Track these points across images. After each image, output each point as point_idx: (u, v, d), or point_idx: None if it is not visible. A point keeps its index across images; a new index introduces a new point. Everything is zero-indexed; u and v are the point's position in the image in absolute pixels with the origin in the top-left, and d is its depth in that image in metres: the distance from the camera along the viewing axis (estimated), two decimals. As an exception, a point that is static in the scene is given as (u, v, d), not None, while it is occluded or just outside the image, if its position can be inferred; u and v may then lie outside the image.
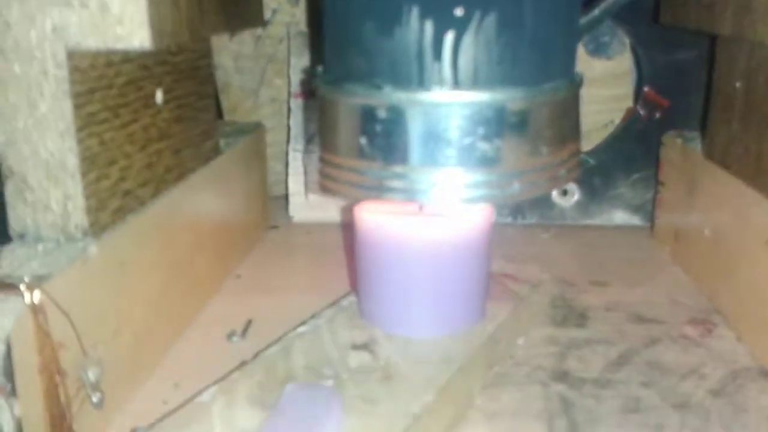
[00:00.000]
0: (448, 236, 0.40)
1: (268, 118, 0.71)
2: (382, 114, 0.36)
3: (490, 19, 0.34)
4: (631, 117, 0.66)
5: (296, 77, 0.68)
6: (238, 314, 0.49)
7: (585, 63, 0.65)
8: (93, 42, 0.33)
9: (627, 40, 0.65)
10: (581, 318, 0.49)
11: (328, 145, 0.40)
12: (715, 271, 0.50)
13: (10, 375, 0.28)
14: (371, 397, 0.35)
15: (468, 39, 0.35)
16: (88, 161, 0.35)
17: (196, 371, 0.42)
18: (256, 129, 0.64)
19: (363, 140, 0.37)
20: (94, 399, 0.34)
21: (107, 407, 0.36)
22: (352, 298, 0.45)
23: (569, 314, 0.49)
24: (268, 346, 0.39)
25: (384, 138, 0.37)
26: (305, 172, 0.67)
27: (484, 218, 0.41)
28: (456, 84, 0.35)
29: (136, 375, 0.40)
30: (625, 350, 0.44)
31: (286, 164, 0.68)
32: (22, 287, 0.30)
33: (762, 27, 0.40)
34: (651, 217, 0.64)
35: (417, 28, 0.35)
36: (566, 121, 0.39)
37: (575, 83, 0.39)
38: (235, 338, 0.46)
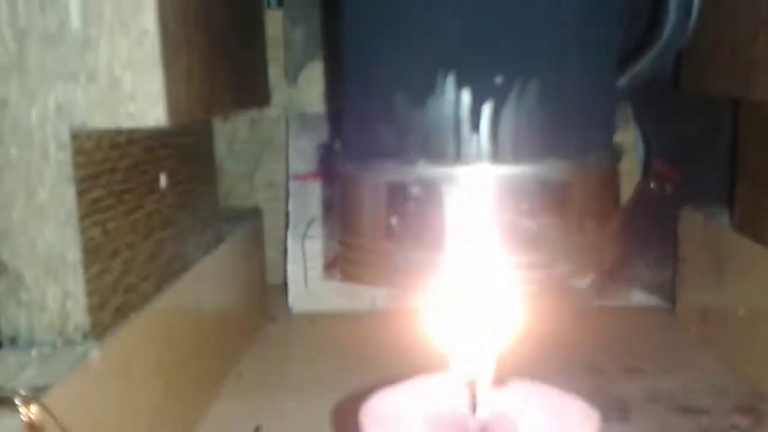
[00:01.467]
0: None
1: (264, 203, 0.67)
2: (415, 191, 0.33)
3: (532, 88, 0.32)
4: (640, 192, 0.63)
5: (295, 160, 0.65)
6: (244, 419, 0.44)
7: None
8: (101, 121, 0.30)
9: (631, 113, 0.63)
10: (622, 411, 0.45)
11: (350, 228, 0.36)
12: (756, 354, 0.47)
13: None
14: None
15: (508, 109, 0.32)
16: (90, 253, 0.31)
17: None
18: (253, 214, 0.61)
19: (393, 220, 0.34)
20: None
21: None
22: None
23: (608, 406, 0.45)
24: None
25: (417, 217, 0.33)
26: (305, 260, 0.63)
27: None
28: (495, 157, 0.33)
29: (139, 495, 0.35)
30: (677, 444, 0.41)
31: (284, 251, 0.64)
32: (18, 401, 0.25)
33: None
34: (672, 297, 0.61)
35: (453, 97, 0.32)
36: (609, 195, 0.36)
37: (617, 154, 0.36)
38: (245, 446, 0.41)
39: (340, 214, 0.37)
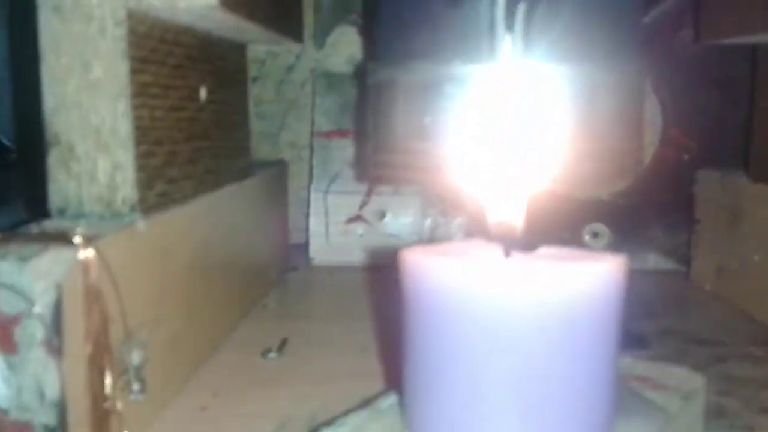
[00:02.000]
0: (555, 300, 0.24)
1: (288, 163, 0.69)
2: (448, 89, 0.35)
3: (565, -10, 0.34)
4: (657, 160, 0.65)
5: (320, 118, 0.66)
6: (271, 335, 0.46)
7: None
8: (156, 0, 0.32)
9: (650, 84, 0.65)
10: (639, 341, 0.46)
11: (383, 133, 0.38)
12: (772, 295, 0.48)
13: (58, 330, 0.25)
14: None
15: (541, 9, 0.34)
16: (140, 131, 0.33)
17: (234, 383, 0.39)
18: (279, 164, 0.62)
19: (427, 119, 0.35)
20: (135, 387, 0.30)
21: (144, 409, 0.32)
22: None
23: (625, 337, 0.46)
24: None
25: (450, 114, 0.35)
26: (327, 214, 0.65)
27: (614, 269, 0.26)
28: (528, 56, 0.34)
29: (172, 380, 0.36)
30: (693, 366, 0.41)
31: (307, 210, 0.65)
32: (77, 240, 0.27)
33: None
34: (686, 261, 0.62)
35: (489, -2, 0.34)
36: (635, 106, 0.37)
37: (643, 71, 0.38)
38: (271, 354, 0.42)
39: (374, 121, 0.39)
